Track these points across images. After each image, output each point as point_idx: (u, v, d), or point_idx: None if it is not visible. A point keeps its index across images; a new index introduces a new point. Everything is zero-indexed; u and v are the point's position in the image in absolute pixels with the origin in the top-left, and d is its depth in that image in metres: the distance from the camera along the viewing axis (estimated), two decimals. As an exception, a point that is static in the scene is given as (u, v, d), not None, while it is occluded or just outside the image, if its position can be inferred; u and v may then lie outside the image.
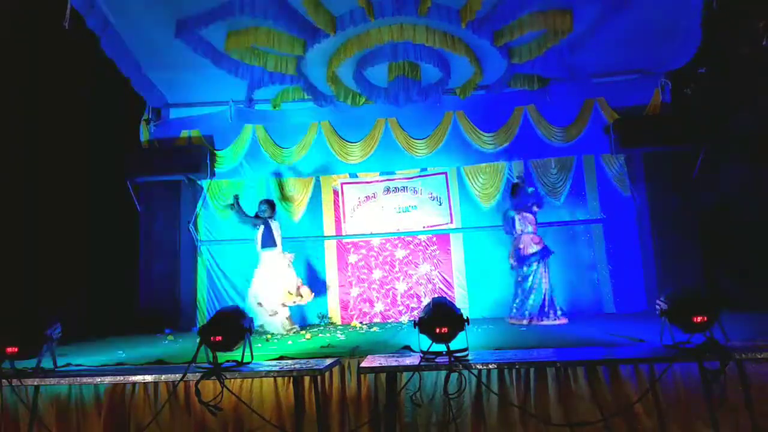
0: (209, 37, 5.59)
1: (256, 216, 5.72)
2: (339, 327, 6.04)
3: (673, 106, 6.42)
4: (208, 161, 6.74)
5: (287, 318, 5.55)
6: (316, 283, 6.68)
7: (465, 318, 2.70)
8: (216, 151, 6.90)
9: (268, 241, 5.66)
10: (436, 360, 2.69)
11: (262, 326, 5.39)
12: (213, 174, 6.85)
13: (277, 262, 5.64)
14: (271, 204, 5.83)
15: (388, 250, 6.78)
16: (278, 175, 6.91)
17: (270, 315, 5.43)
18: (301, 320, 6.24)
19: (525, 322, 5.32)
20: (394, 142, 6.78)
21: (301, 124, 6.94)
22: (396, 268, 6.73)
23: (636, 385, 3.05)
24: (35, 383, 3.04)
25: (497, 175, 6.67)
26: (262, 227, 5.68)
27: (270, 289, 5.50)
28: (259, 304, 5.46)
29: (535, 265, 5.44)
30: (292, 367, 2.88)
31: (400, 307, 6.61)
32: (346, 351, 3.62)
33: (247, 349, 2.84)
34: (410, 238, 6.79)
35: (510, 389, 3.12)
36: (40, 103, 5.68)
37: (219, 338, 2.74)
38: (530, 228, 5.58)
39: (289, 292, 5.53)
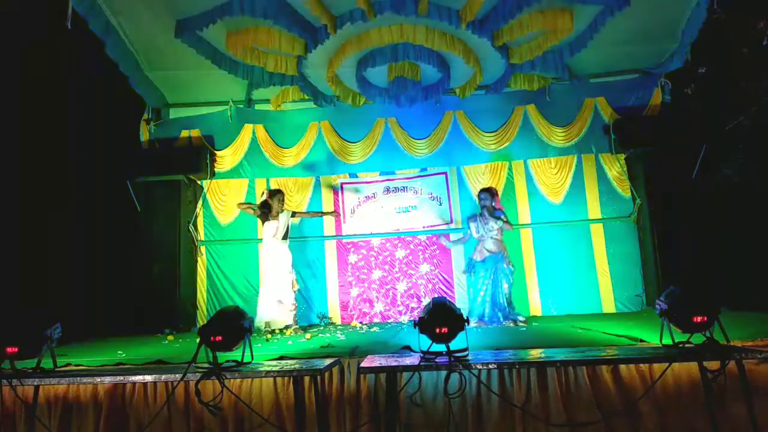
0: (209, 37, 5.60)
1: (272, 209, 5.69)
2: (339, 327, 6.04)
3: (673, 106, 6.42)
4: (208, 161, 6.75)
5: (295, 314, 5.62)
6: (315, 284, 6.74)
7: (465, 318, 2.70)
8: (216, 151, 6.90)
9: (286, 233, 5.72)
10: (436, 360, 2.68)
11: (268, 324, 5.40)
12: (213, 174, 6.86)
13: (286, 254, 5.70)
14: (284, 194, 5.89)
15: (388, 250, 6.78)
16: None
17: (290, 310, 5.52)
18: (300, 320, 6.24)
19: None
20: (394, 142, 6.78)
21: (301, 124, 6.94)
22: (396, 268, 6.73)
23: (636, 385, 3.05)
24: (35, 383, 3.04)
25: (498, 175, 6.67)
26: (278, 219, 5.69)
27: (286, 285, 5.59)
28: (280, 301, 5.50)
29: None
30: (292, 367, 2.87)
31: (400, 307, 6.61)
32: (346, 351, 3.62)
33: (247, 349, 2.84)
34: (410, 238, 6.79)
35: (510, 389, 3.12)
36: (40, 103, 5.67)
37: (219, 338, 2.73)
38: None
39: (294, 281, 5.75)
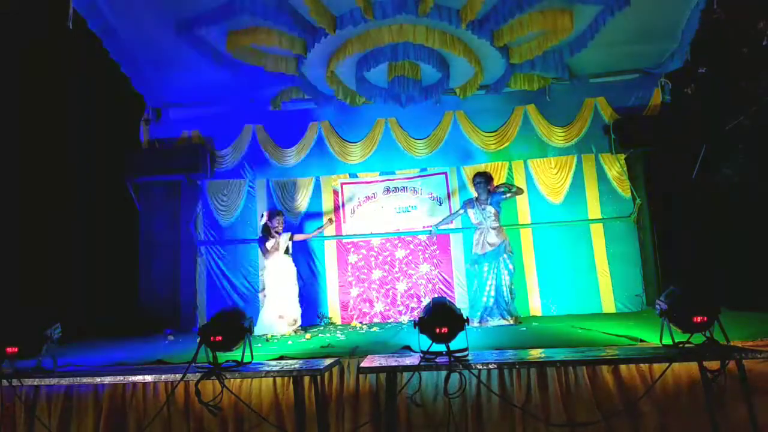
0: (209, 37, 5.59)
1: (271, 231, 5.66)
2: (339, 327, 6.04)
3: (673, 106, 6.42)
4: (208, 161, 6.75)
5: (295, 319, 5.60)
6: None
7: (465, 318, 2.70)
8: (216, 151, 6.90)
9: (287, 249, 5.73)
10: (436, 360, 2.69)
11: (265, 335, 5.38)
12: (213, 174, 6.86)
13: (290, 267, 5.70)
14: (282, 215, 5.88)
15: (388, 250, 6.78)
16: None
17: (290, 325, 5.46)
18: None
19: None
20: (394, 142, 6.78)
21: (301, 124, 6.94)
22: (396, 268, 6.73)
23: (636, 385, 3.05)
24: (35, 383, 3.04)
25: (498, 175, 6.66)
26: (278, 237, 5.68)
27: (288, 297, 5.55)
28: (280, 317, 5.45)
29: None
30: (292, 367, 2.88)
31: (400, 307, 6.61)
32: (346, 351, 3.62)
33: (247, 349, 2.85)
34: (410, 238, 6.79)
35: (510, 389, 3.13)
36: (40, 103, 5.67)
37: (219, 338, 2.74)
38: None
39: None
